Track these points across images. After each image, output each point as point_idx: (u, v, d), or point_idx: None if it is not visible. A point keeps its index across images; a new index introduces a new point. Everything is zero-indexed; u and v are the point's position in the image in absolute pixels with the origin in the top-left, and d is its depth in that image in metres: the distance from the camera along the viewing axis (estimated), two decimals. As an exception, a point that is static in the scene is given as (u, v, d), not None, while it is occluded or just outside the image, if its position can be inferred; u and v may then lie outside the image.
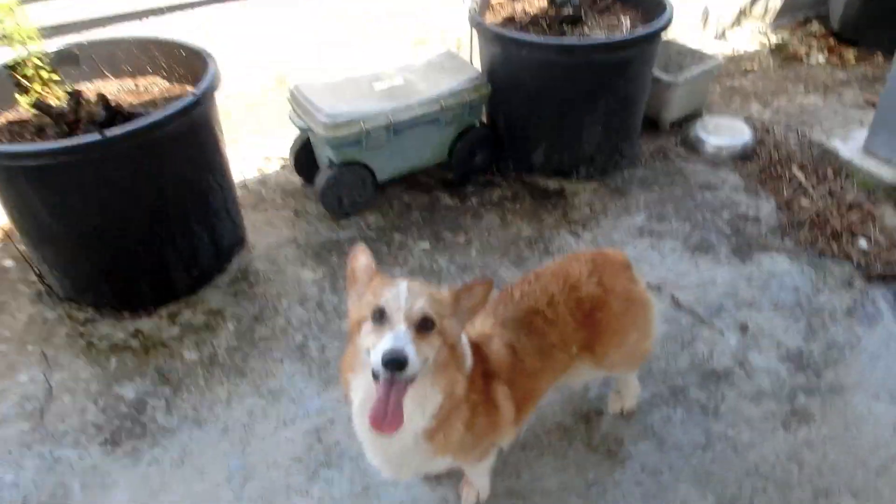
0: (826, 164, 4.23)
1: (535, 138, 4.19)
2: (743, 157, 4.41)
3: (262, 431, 2.80)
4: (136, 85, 3.64)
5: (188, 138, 3.15)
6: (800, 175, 4.14)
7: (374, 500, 2.55)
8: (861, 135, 4.26)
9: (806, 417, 2.77)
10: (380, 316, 1.74)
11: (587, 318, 2.29)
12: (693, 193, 4.15)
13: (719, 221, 3.91)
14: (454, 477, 2.60)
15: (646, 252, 3.72)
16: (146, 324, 3.31)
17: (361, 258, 1.91)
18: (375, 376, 1.74)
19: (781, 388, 2.90)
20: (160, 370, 3.07)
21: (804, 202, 3.96)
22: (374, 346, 1.71)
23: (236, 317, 3.36)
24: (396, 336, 1.68)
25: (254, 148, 4.67)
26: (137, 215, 3.11)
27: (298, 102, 3.89)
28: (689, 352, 3.09)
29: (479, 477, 2.45)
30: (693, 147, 4.54)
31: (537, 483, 2.58)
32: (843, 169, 4.14)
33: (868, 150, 4.14)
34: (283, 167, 4.53)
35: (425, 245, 3.84)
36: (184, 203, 3.27)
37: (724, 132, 4.52)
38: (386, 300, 1.75)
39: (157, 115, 2.88)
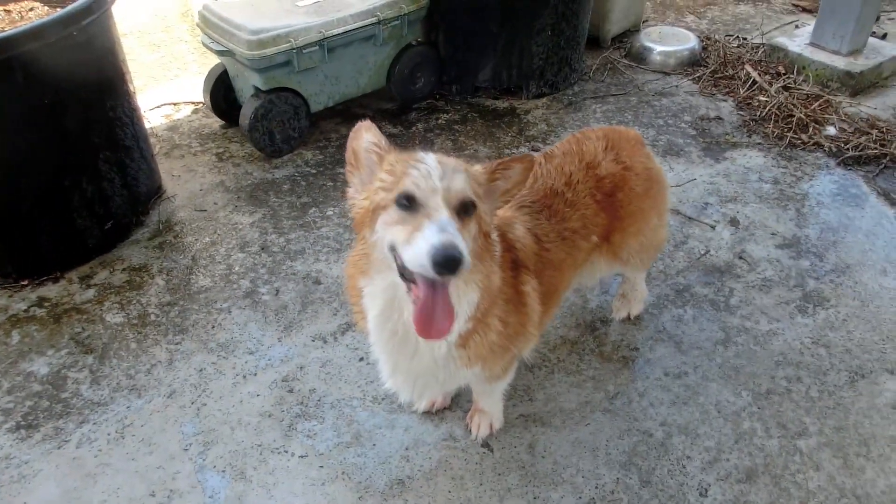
0: (776, 61, 4.07)
1: (482, 54, 3.80)
2: (691, 63, 4.19)
3: (218, 390, 2.29)
4: (9, 10, 2.95)
5: (83, 57, 2.54)
6: (753, 73, 3.95)
7: (369, 447, 2.11)
8: (804, 32, 4.14)
9: (821, 300, 2.55)
10: (409, 202, 1.32)
11: (608, 199, 1.95)
12: (650, 101, 3.88)
13: (683, 125, 3.66)
14: (458, 411, 2.20)
15: (615, 160, 3.40)
16: (52, 290, 2.69)
17: (365, 135, 1.48)
18: (406, 277, 1.35)
19: (788, 275, 2.67)
20: (77, 339, 2.48)
21: (762, 98, 3.77)
22: (406, 240, 1.30)
23: (165, 270, 2.80)
24: (442, 226, 1.27)
25: (160, 94, 4.02)
26: (30, 155, 2.48)
27: (212, 24, 3.30)
28: (685, 250, 2.81)
29: (493, 403, 2.07)
30: (640, 58, 4.28)
31: (553, 404, 2.22)
32: (794, 64, 3.99)
33: (815, 43, 4.01)
34: (195, 111, 3.92)
35: (376, 175, 3.36)
36: (87, 137, 2.66)
37: (669, 40, 4.29)
38: (415, 180, 1.33)
39: (35, 23, 2.26)
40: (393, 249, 1.37)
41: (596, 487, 1.98)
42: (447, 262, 1.21)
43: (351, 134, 1.49)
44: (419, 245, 1.26)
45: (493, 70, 3.85)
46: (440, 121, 3.80)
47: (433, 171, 1.35)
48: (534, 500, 1.96)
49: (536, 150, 3.49)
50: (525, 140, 3.61)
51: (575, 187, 1.91)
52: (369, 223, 1.42)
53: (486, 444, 2.10)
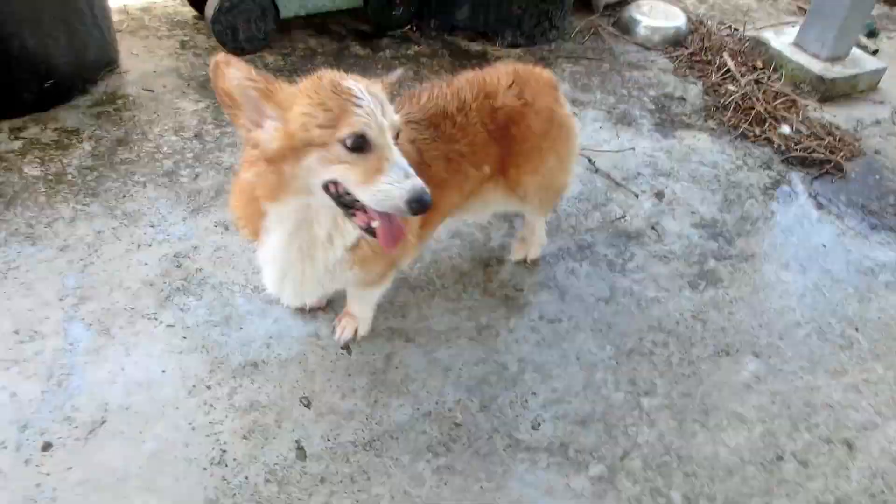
0: (757, 55, 4.00)
1: (461, -9, 3.73)
2: (675, 42, 4.12)
3: (109, 253, 2.33)
4: None
5: None
6: (730, 62, 3.89)
7: (236, 330, 2.16)
8: (793, 31, 4.05)
9: (714, 280, 2.57)
10: (361, 143, 1.34)
11: (501, 131, 1.95)
12: (621, 70, 3.83)
13: (645, 98, 3.62)
14: (331, 313, 2.24)
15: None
16: (-21, 133, 2.71)
17: (230, 72, 1.38)
18: (347, 205, 1.44)
19: (692, 251, 2.68)
20: (-10, 182, 2.51)
21: (731, 87, 3.72)
22: (364, 181, 1.36)
23: (95, 138, 2.81)
24: (405, 170, 1.36)
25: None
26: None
27: None
28: (602, 212, 2.82)
29: (364, 308, 2.11)
30: (626, 28, 4.21)
31: (423, 323, 2.26)
32: (773, 60, 3.93)
33: (798, 44, 3.93)
34: (174, -2, 3.87)
35: (329, 89, 3.35)
36: (33, -13, 2.64)
37: (658, 15, 4.21)
38: (365, 121, 1.35)
39: None
40: (331, 184, 1.42)
41: (436, 403, 2.03)
42: (422, 205, 1.34)
43: (210, 72, 1.40)
44: (388, 189, 1.34)
45: (472, 10, 3.80)
46: (410, 51, 3.76)
47: (375, 106, 1.36)
48: (373, 403, 2.01)
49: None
50: (486, 84, 3.57)
51: (467, 113, 1.91)
52: (292, 158, 1.41)
53: (346, 347, 2.15)
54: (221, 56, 1.37)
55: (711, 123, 3.50)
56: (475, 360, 2.17)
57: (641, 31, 4.17)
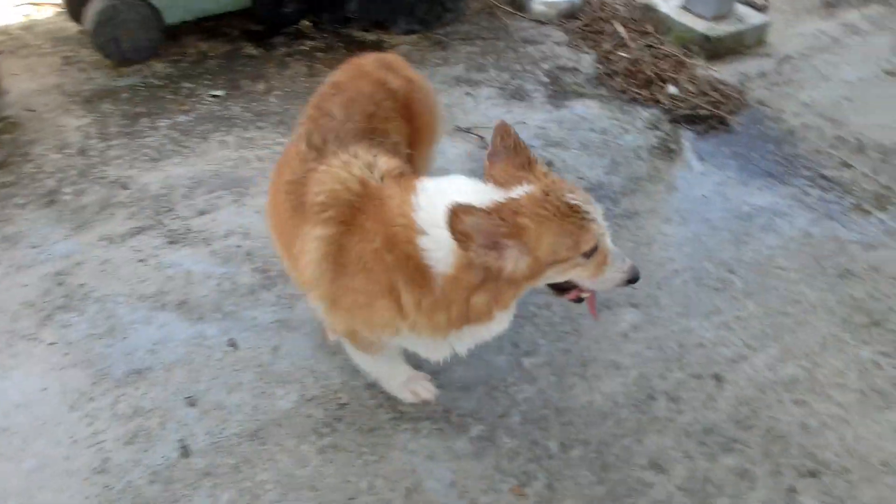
0: (647, 20, 4.17)
1: (348, -18, 3.82)
2: (570, 15, 4.27)
3: (-13, 277, 2.37)
4: None
5: None
6: (621, 29, 4.05)
7: (120, 340, 2.23)
8: (682, -6, 4.23)
9: (598, 240, 2.71)
10: (595, 250, 1.56)
11: (405, 109, 2.04)
12: (516, 47, 3.97)
13: (539, 72, 3.76)
14: (217, 311, 2.32)
15: (461, 99, 3.52)
16: None
17: (470, 221, 1.42)
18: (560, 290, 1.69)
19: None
20: None
21: (622, 54, 3.88)
22: (594, 275, 1.60)
23: (-27, 163, 2.83)
24: (623, 256, 1.64)
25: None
26: None
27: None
28: (491, 187, 2.94)
29: None
30: (521, 6, 4.34)
31: (311, 313, 2.34)
32: (662, 24, 4.10)
33: (685, 6, 4.11)
34: (58, 14, 3.88)
35: (219, 92, 3.42)
36: None
37: (551, -10, 4.35)
38: (598, 233, 1.55)
39: None
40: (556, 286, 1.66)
41: (322, 387, 2.13)
42: (637, 278, 1.65)
43: (448, 220, 1.40)
44: (614, 276, 1.62)
45: (362, 2, 3.88)
46: (304, 47, 3.84)
47: (599, 216, 1.57)
48: (259, 395, 2.10)
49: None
50: (380, 73, 3.66)
51: (380, 104, 1.96)
52: (535, 277, 1.56)
53: (232, 343, 2.23)
54: (458, 206, 1.40)
55: (602, 91, 3.65)
56: (362, 341, 2.27)
57: (536, 6, 4.31)
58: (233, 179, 2.93)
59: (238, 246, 2.60)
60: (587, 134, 3.32)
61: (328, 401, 2.09)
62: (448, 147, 3.13)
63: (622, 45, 3.99)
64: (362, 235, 1.63)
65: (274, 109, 3.35)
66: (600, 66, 3.84)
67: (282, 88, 3.50)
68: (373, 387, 2.14)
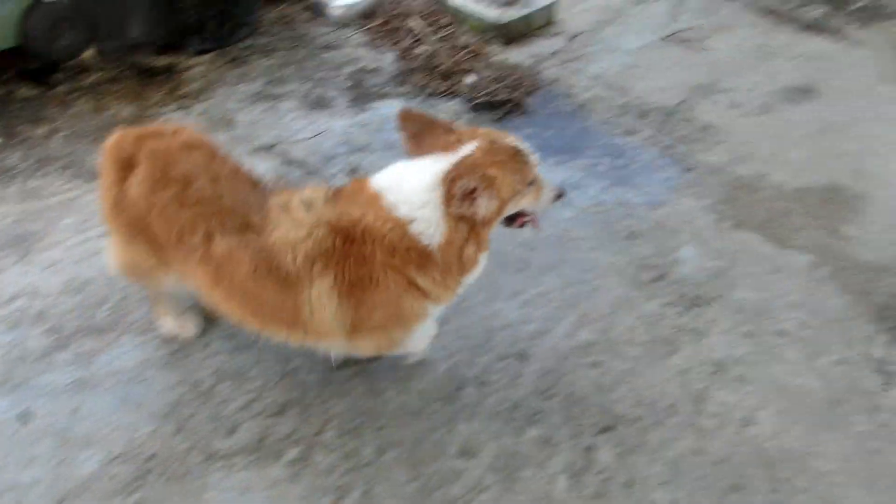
0: (443, 13, 4.31)
1: (129, 8, 3.65)
2: (368, 15, 4.34)
3: None
4: None
5: None
6: (418, 25, 4.17)
7: None
8: (472, -17, 4.40)
9: (405, 240, 2.80)
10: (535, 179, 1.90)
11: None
12: (316, 54, 3.98)
13: (340, 77, 3.80)
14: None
15: (261, 116, 3.49)
16: None
17: (483, 203, 1.78)
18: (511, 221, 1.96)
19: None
20: None
21: (420, 49, 4.00)
22: (536, 199, 1.93)
23: None
24: (548, 179, 1.98)
25: None
26: None
27: None
28: (297, 202, 2.95)
29: None
30: (318, 10, 4.36)
31: (111, 366, 2.27)
32: (458, 15, 4.26)
33: (476, -5, 4.29)
34: None
35: (-8, 143, 3.19)
36: None
37: (346, -8, 4.39)
38: (536, 165, 1.88)
39: None
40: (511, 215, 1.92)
41: (127, 442, 2.08)
42: (564, 191, 2.02)
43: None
44: (549, 195, 1.96)
45: (145, 25, 3.74)
46: (89, 80, 3.65)
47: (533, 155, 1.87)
48: (59, 464, 2.02)
49: (185, 109, 3.46)
50: (176, 98, 3.57)
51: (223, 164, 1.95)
52: (499, 214, 1.83)
53: (25, 414, 2.12)
54: (450, 178, 1.72)
55: (405, 88, 3.76)
56: (169, 385, 2.24)
57: (334, 11, 4.34)
58: (16, 236, 2.76)
59: (26, 308, 2.47)
60: (392, 135, 3.40)
61: (135, 456, 2.05)
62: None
63: (420, 40, 4.11)
64: (361, 259, 1.74)
65: (58, 154, 3.18)
66: (401, 64, 3.94)
67: (66, 129, 3.33)
68: (182, 430, 2.12)
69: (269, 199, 1.83)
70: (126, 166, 1.88)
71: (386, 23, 4.29)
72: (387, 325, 1.89)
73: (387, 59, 3.98)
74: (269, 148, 3.25)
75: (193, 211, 1.79)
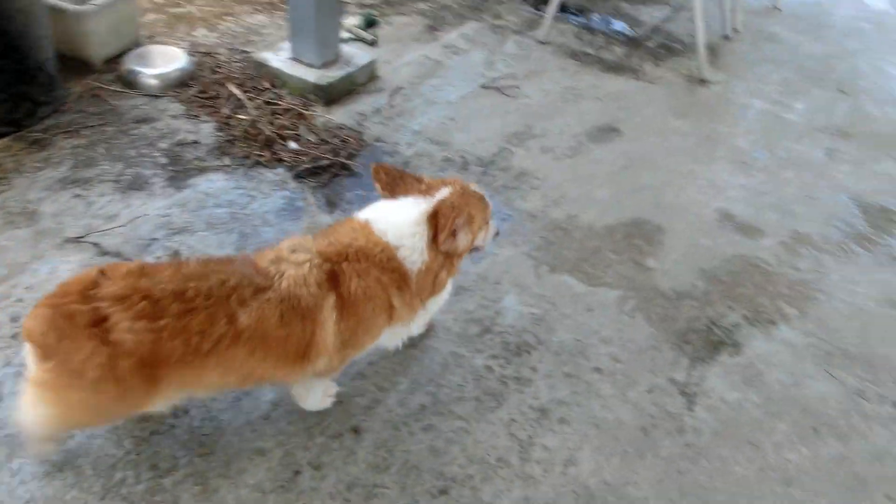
0: (263, 76, 4.35)
1: None
2: (183, 83, 4.28)
3: None
4: None
5: None
6: (237, 91, 4.18)
7: None
8: (289, 47, 4.49)
9: (233, 324, 2.79)
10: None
11: None
12: (128, 130, 3.88)
13: (156, 153, 3.72)
14: None
15: (69, 204, 3.35)
16: None
17: (462, 238, 2.23)
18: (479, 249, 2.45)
19: (210, 303, 2.87)
20: None
21: (242, 117, 4.01)
22: (488, 233, 2.41)
23: None
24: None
25: None
26: None
27: None
28: (113, 297, 2.86)
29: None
30: (129, 82, 4.24)
31: None
32: (278, 78, 4.31)
33: (295, 58, 4.37)
34: None
35: None
36: None
37: (158, 60, 4.32)
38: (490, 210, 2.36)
39: None
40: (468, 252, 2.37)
41: None
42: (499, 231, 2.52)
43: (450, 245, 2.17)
44: (493, 230, 2.44)
45: (-79, 114, 3.47)
46: None
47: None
48: None
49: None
50: (-33, 191, 3.33)
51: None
52: (469, 246, 2.29)
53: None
54: (447, 216, 2.10)
55: (226, 160, 3.75)
56: (-29, 526, 2.08)
57: (146, 81, 4.24)
58: None
59: None
60: (214, 211, 3.39)
61: None
62: (59, 263, 2.98)
63: (241, 106, 4.12)
64: (356, 276, 2.02)
65: None
66: (221, 134, 3.93)
67: None
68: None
69: (256, 263, 2.01)
70: (89, 326, 1.78)
71: (203, 91, 4.26)
72: (359, 342, 2.15)
73: (206, 130, 3.95)
74: (78, 240, 3.12)
75: (206, 311, 1.84)
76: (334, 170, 3.75)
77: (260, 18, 5.30)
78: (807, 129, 4.57)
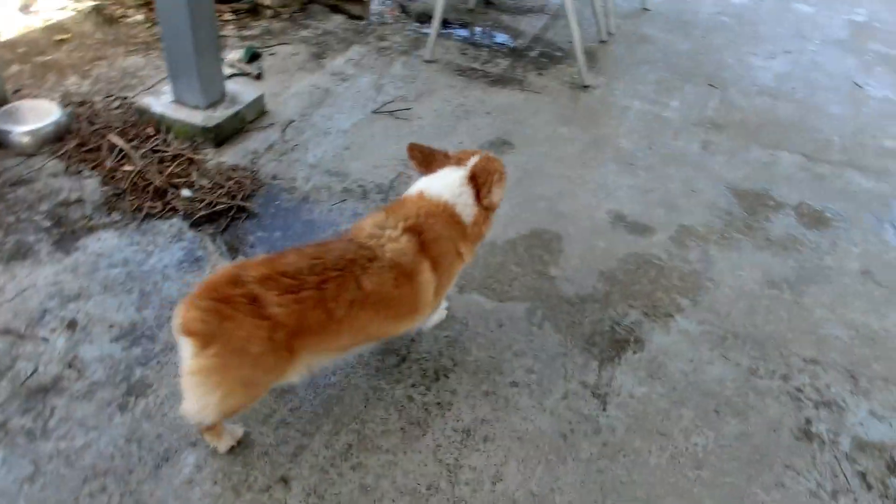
0: (146, 123, 4.27)
1: None
2: (58, 139, 4.14)
3: None
4: None
5: None
6: (119, 141, 4.08)
7: None
8: (170, 89, 4.42)
9: (143, 388, 2.77)
10: None
11: None
12: (4, 195, 3.72)
13: (38, 217, 3.60)
14: None
15: (-53, 282, 3.18)
16: None
17: (497, 192, 2.67)
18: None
19: (117, 370, 2.83)
20: None
21: (127, 168, 3.93)
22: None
23: None
24: None
25: None
26: None
27: None
28: (10, 377, 2.77)
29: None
30: (1, 141, 4.06)
31: None
32: (162, 124, 4.24)
33: (178, 101, 4.32)
34: None
35: None
36: None
37: (30, 116, 4.17)
38: None
39: None
40: None
41: None
42: None
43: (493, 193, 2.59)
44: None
45: None
46: None
47: None
48: None
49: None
50: None
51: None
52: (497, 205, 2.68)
53: None
54: (496, 177, 2.62)
55: (116, 216, 3.66)
56: None
57: (18, 139, 4.09)
58: None
59: None
60: (108, 272, 3.32)
61: None
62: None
63: (125, 157, 4.04)
64: (438, 237, 2.47)
65: None
66: (107, 189, 3.84)
67: None
68: None
69: (356, 241, 2.39)
70: (247, 305, 2.07)
71: (82, 144, 4.15)
72: (444, 289, 2.64)
73: (90, 186, 3.85)
74: (-39, 320, 2.99)
75: (337, 280, 2.20)
76: (232, 213, 3.74)
77: (135, 61, 5.19)
78: (683, 124, 4.93)
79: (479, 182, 2.54)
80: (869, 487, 2.65)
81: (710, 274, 3.62)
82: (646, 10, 6.73)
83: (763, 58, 6.07)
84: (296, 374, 2.34)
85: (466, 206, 2.54)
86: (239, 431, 2.57)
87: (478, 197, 2.55)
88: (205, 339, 2.02)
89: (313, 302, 2.13)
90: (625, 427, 2.81)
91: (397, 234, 2.39)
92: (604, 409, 2.88)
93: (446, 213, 2.50)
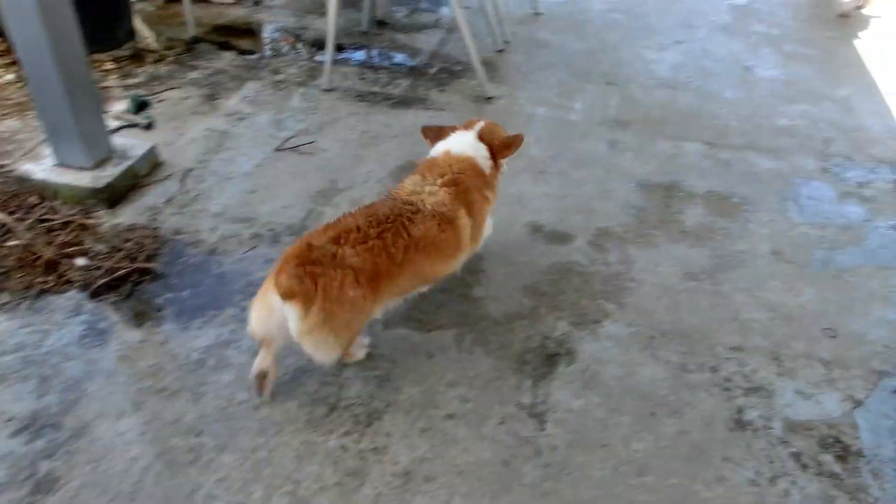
0: (28, 192, 4.05)
1: None
2: (-67, 220, 3.86)
3: None
4: None
5: None
6: (0, 215, 3.85)
7: None
8: (51, 152, 4.21)
9: (52, 483, 2.60)
10: None
11: None
12: None
13: (-84, 309, 3.33)
14: None
15: None
16: None
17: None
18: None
19: (19, 469, 2.65)
20: None
21: (12, 243, 3.71)
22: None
23: None
24: None
25: None
26: None
27: None
28: None
29: None
30: None
31: None
32: (47, 190, 4.03)
33: (61, 164, 4.12)
34: None
35: None
36: None
37: None
38: None
39: None
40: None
41: None
42: None
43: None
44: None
45: None
46: None
47: None
48: None
49: None
50: None
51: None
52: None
53: None
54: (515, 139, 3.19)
55: (3, 297, 3.45)
56: None
57: None
58: None
59: None
60: (3, 360, 3.11)
61: None
62: None
63: (8, 231, 3.81)
64: (469, 186, 3.00)
65: None
66: (-7, 269, 3.61)
67: None
68: None
69: (396, 199, 2.89)
70: (331, 261, 2.55)
71: (-41, 223, 3.88)
72: (478, 228, 3.11)
73: (-27, 268, 3.61)
74: None
75: (392, 230, 2.70)
76: (135, 277, 3.59)
77: (10, 124, 4.94)
78: (589, 125, 5.04)
79: (492, 140, 3.11)
80: (804, 467, 2.74)
81: (631, 274, 3.69)
82: (538, 14, 6.87)
83: (656, 50, 6.29)
84: (379, 311, 2.85)
85: (485, 159, 3.07)
86: (364, 341, 3.08)
87: (491, 153, 3.08)
88: (306, 299, 2.43)
89: (378, 249, 2.59)
90: (566, 444, 2.82)
91: (436, 188, 2.87)
92: (542, 429, 2.88)
93: (472, 167, 3.01)
